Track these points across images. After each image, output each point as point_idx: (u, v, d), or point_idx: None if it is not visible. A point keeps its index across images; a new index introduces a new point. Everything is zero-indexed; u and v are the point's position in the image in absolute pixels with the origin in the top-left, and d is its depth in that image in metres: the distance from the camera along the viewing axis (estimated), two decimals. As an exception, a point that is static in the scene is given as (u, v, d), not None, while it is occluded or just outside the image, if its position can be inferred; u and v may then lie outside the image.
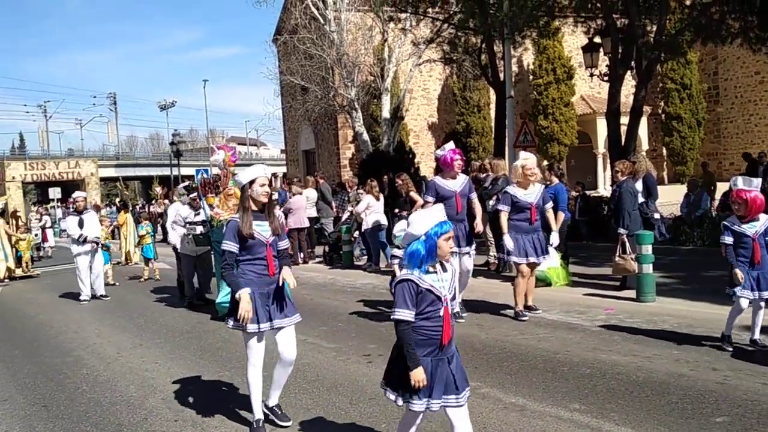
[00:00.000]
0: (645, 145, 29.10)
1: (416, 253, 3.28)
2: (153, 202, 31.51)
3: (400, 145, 23.02)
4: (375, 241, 12.37)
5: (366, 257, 13.18)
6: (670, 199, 16.88)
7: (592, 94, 29.10)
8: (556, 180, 9.14)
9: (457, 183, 7.42)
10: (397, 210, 11.79)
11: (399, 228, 7.34)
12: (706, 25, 13.64)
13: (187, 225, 9.73)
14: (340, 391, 5.33)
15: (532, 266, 7.62)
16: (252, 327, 4.32)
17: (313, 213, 15.09)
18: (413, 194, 11.03)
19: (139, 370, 6.44)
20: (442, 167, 7.52)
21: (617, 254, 8.22)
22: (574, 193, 15.47)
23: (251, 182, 4.42)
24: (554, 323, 7.23)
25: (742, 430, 4.08)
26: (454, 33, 18.93)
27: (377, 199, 12.35)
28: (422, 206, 8.13)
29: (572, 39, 25.73)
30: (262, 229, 4.42)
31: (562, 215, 8.58)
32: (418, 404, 3.31)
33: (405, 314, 3.28)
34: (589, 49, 16.48)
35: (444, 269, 3.38)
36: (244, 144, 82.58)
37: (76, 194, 11.84)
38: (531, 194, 7.40)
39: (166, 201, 26.10)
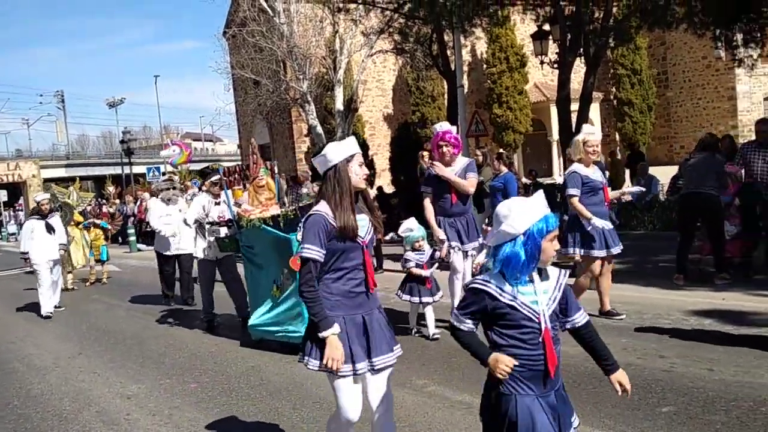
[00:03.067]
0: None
1: (514, 258, 2.47)
2: (105, 201, 30.72)
3: (355, 138, 22.81)
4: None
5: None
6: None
7: (546, 82, 29.31)
8: (505, 169, 9.01)
9: (455, 168, 6.30)
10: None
11: (405, 228, 6.43)
12: (651, 11, 13.73)
13: (209, 226, 7.80)
14: (284, 396, 5.16)
15: (610, 259, 6.42)
16: (346, 368, 3.04)
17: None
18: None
19: (75, 381, 6.15)
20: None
21: (567, 242, 8.17)
22: (526, 181, 15.52)
23: (348, 160, 3.14)
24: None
25: (687, 420, 4.03)
26: (404, 23, 18.78)
27: None
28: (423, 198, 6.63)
29: (524, 27, 25.78)
30: (360, 226, 3.12)
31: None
32: None
33: (461, 323, 2.60)
34: (539, 37, 16.51)
35: (543, 276, 2.59)
36: (200, 140, 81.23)
37: (39, 197, 10.42)
38: (597, 173, 6.28)
39: (117, 201, 25.60)
